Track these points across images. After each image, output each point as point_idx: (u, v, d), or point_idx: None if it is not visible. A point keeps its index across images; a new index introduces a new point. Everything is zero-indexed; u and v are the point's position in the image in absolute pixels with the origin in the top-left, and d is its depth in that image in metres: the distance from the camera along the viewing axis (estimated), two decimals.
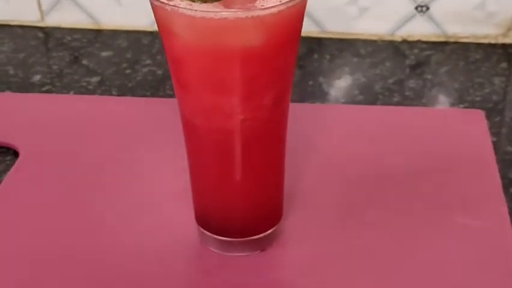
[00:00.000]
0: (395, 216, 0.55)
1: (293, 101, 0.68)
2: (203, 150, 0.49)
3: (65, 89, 0.74)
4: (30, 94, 0.72)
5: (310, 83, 0.74)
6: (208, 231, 0.52)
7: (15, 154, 0.63)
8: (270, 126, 0.48)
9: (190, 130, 0.49)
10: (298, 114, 0.66)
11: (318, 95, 0.71)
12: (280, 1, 0.43)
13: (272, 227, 0.53)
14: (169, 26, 0.44)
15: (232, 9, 0.42)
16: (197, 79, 0.46)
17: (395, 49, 0.79)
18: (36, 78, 0.76)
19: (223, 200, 0.51)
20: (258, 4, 0.43)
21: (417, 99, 0.70)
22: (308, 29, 0.82)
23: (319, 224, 0.55)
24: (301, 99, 0.70)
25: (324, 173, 0.60)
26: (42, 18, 0.85)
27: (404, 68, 0.76)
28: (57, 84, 0.75)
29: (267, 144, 0.49)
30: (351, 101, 0.70)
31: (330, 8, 0.80)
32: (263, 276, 0.51)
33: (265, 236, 0.52)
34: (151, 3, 0.44)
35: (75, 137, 0.65)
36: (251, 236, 0.52)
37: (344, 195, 0.57)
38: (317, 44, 0.81)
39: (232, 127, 0.47)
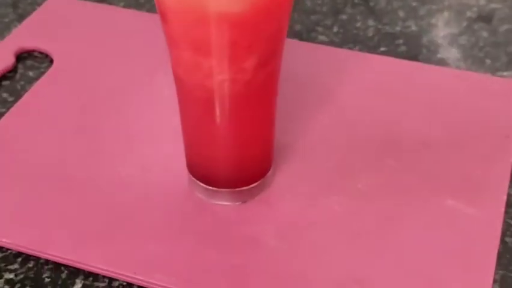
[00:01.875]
0: (388, 187, 0.54)
1: (332, 43, 0.67)
2: (188, 102, 0.50)
3: None
4: (82, 2, 0.73)
5: (358, 25, 0.71)
6: (195, 177, 0.53)
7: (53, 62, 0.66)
8: (254, 87, 0.47)
9: (177, 82, 0.49)
10: (322, 58, 0.65)
11: (360, 40, 0.69)
12: None
13: (256, 181, 0.53)
14: None
15: None
16: (177, 36, 0.46)
17: None
18: None
19: (209, 152, 0.52)
20: None
21: (462, 59, 0.67)
22: None
23: (307, 184, 0.54)
24: (342, 43, 0.69)
25: (328, 127, 0.59)
26: None
27: (462, 21, 0.72)
28: None
29: (251, 103, 0.48)
30: (392, 50, 0.68)
31: None
32: (236, 228, 0.52)
33: (247, 189, 0.53)
34: None
35: (112, 53, 0.66)
36: (233, 188, 0.53)
37: (341, 156, 0.56)
38: None
39: (212, 85, 0.47)
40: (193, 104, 0.49)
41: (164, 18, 0.45)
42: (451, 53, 0.67)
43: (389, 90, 0.62)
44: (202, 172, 0.53)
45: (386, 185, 0.54)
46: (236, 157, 0.52)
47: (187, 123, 0.51)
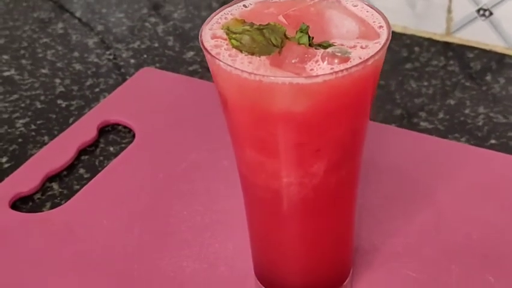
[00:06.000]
0: None
1: (436, 132, 0.60)
2: (253, 202, 0.45)
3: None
4: (168, 73, 0.71)
5: (467, 111, 0.64)
6: (262, 283, 0.48)
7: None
8: (324, 192, 0.42)
9: (241, 179, 0.44)
10: (422, 149, 0.59)
11: (468, 129, 0.62)
12: (332, 68, 0.37)
13: None
14: (214, 75, 0.40)
15: (272, 72, 0.37)
16: (240, 134, 0.41)
17: None
18: (190, 54, 0.74)
19: (276, 256, 0.46)
20: (308, 67, 0.37)
21: None
22: (493, 42, 0.71)
23: None
24: (446, 132, 0.62)
25: (421, 232, 0.52)
26: None
27: None
28: (205, 64, 0.72)
29: (322, 208, 0.43)
30: (504, 144, 0.60)
31: None
32: None
33: None
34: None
35: (196, 131, 0.63)
36: None
37: (431, 268, 0.50)
38: (498, 61, 0.70)
39: (278, 188, 0.42)
40: (258, 205, 0.44)
41: (227, 115, 0.41)
42: None
43: (496, 193, 0.55)
44: (270, 279, 0.47)
45: None
46: (306, 264, 0.46)
47: (253, 224, 0.46)
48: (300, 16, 0.41)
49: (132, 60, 0.74)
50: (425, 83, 0.68)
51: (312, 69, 0.37)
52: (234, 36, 0.39)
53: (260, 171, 0.41)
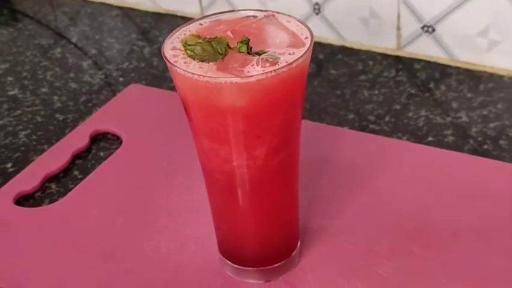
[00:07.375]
0: (408, 273, 0.56)
1: (382, 132, 0.69)
2: (211, 185, 0.54)
3: None
4: (152, 89, 0.81)
5: (410, 114, 0.74)
6: (223, 255, 0.57)
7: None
8: (267, 173, 0.51)
9: (201, 166, 0.54)
10: (368, 146, 0.68)
11: (410, 130, 0.71)
12: (264, 70, 0.46)
13: (280, 261, 0.56)
14: (173, 79, 0.50)
15: (217, 74, 0.47)
16: (197, 126, 0.51)
17: None
18: None
19: (232, 230, 0.56)
20: (246, 70, 0.47)
21: (507, 151, 0.68)
22: (436, 54, 0.81)
23: (331, 267, 0.57)
24: (391, 132, 0.71)
25: (360, 212, 0.61)
26: (202, 12, 0.93)
27: None
28: None
29: (267, 187, 0.52)
30: (439, 141, 0.70)
31: (461, 36, 0.79)
32: None
33: (271, 268, 0.56)
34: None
35: (178, 137, 0.72)
36: (257, 267, 0.56)
37: (368, 241, 0.59)
38: (441, 71, 0.80)
39: (229, 170, 0.51)
40: (215, 186, 0.54)
41: (187, 113, 0.51)
42: (499, 146, 0.68)
43: (427, 180, 0.64)
44: (229, 250, 0.57)
45: (406, 271, 0.56)
46: (258, 236, 0.55)
47: (213, 204, 0.56)
48: (244, 31, 0.51)
49: (121, 79, 0.84)
50: (376, 92, 0.77)
51: (249, 72, 0.47)
52: (188, 47, 0.48)
53: (215, 157, 0.51)
